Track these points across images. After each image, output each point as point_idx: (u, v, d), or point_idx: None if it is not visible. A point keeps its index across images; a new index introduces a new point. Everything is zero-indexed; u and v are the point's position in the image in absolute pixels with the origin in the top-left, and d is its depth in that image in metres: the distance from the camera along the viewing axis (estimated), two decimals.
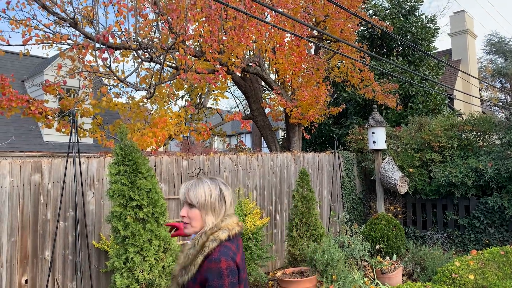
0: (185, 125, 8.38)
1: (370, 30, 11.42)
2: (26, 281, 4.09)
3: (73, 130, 3.85)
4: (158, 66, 6.65)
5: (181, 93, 9.58)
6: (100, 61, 5.52)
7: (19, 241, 4.06)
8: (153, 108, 8.37)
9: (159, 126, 6.28)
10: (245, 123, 7.44)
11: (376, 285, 5.59)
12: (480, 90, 20.96)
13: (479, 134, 8.30)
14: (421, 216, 8.11)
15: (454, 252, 7.12)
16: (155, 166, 5.25)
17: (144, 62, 6.60)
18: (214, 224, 1.93)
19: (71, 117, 3.83)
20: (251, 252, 5.79)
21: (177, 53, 6.07)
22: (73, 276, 4.33)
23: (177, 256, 4.07)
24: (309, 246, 5.41)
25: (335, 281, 4.94)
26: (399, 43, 11.43)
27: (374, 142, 7.55)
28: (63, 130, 5.91)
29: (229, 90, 12.38)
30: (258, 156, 6.77)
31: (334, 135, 11.14)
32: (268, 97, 10.84)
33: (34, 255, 4.14)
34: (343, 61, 9.96)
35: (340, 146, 10.18)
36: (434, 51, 12.17)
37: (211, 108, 9.55)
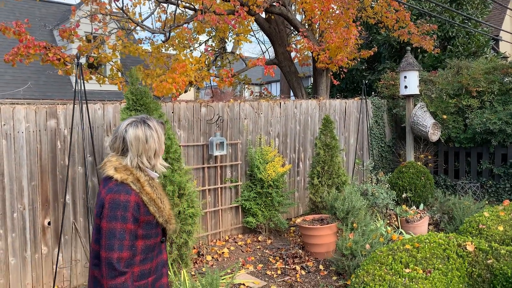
0: (207, 71, 8.18)
1: None
2: (49, 223, 4.23)
3: (74, 78, 3.75)
4: (174, 7, 6.37)
5: (203, 38, 9.29)
6: (114, 4, 5.32)
7: (39, 185, 4.15)
8: (175, 53, 8.18)
9: (178, 72, 6.12)
10: (269, 68, 7.14)
11: (399, 233, 5.46)
12: None
13: None
14: (453, 165, 7.75)
15: (487, 202, 6.81)
16: (172, 112, 5.16)
17: (161, 4, 6.32)
18: None
19: (76, 60, 3.72)
20: (272, 199, 5.75)
21: None
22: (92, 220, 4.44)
23: (192, 201, 4.06)
24: (330, 194, 5.28)
25: (356, 229, 4.83)
26: None
27: (405, 87, 7.10)
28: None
29: (253, 34, 11.89)
30: (280, 103, 6.54)
31: (365, 81, 10.63)
32: (295, 40, 10.34)
33: (55, 199, 4.25)
34: (377, 0, 9.23)
35: (372, 92, 9.73)
36: None
37: (233, 53, 9.22)
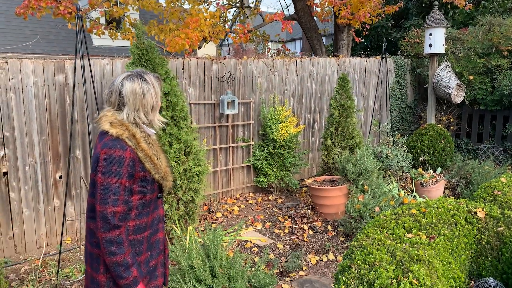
0: (224, 26, 7.94)
1: None
2: (60, 177, 4.31)
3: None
4: None
5: None
6: None
7: (50, 140, 4.20)
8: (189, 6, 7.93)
9: (191, 27, 5.94)
10: (287, 24, 6.86)
11: (412, 197, 5.34)
12: None
13: None
14: (477, 128, 7.43)
15: (509, 168, 6.55)
16: (183, 69, 5.05)
17: None
18: None
19: (77, 13, 3.62)
20: (284, 159, 5.69)
21: None
22: None
23: (199, 159, 4.04)
24: (343, 155, 5.17)
25: (366, 191, 4.75)
26: None
27: (430, 45, 6.72)
28: (94, 31, 5.78)
29: None
30: (296, 61, 6.31)
31: (391, 39, 10.13)
32: None
33: (66, 153, 4.30)
34: None
35: (397, 51, 9.28)
36: None
37: (250, 7, 8.87)
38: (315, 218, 4.96)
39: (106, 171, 1.73)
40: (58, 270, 3.49)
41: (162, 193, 2.00)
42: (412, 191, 5.63)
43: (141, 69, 1.93)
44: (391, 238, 2.49)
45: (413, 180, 5.63)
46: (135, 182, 1.81)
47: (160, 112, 3.88)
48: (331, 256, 4.07)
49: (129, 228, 1.83)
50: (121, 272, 1.75)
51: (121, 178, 1.74)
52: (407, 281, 1.98)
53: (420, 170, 5.73)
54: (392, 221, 2.72)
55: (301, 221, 4.92)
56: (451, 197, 5.65)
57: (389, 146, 6.32)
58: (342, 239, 4.48)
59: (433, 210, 2.92)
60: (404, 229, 2.64)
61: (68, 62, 4.22)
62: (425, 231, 2.67)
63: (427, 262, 2.25)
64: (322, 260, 4.02)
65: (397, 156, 5.63)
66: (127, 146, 1.78)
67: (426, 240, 2.52)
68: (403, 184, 5.93)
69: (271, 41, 12.08)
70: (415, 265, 2.14)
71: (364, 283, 2.03)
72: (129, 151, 1.77)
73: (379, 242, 2.42)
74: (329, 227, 4.74)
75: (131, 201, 1.81)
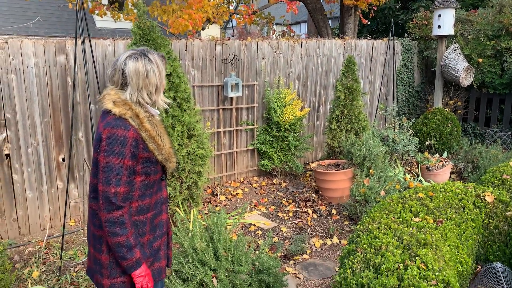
0: (228, 7, 7.79)
1: None
2: (63, 159, 4.29)
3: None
4: None
5: None
6: None
7: (52, 122, 4.16)
8: None
9: (195, 8, 5.81)
10: (292, 5, 6.71)
11: (418, 181, 5.29)
12: None
13: None
14: (484, 112, 7.32)
15: None
16: (186, 50, 4.96)
17: None
18: None
19: None
20: (288, 143, 5.63)
21: None
22: None
23: (202, 142, 3.99)
24: (348, 139, 5.10)
25: (372, 175, 4.69)
26: None
27: (439, 26, 6.56)
28: (96, 12, 5.68)
29: None
30: (302, 42, 6.19)
31: (398, 21, 9.93)
32: None
33: (68, 135, 4.26)
34: None
35: (405, 34, 9.11)
36: None
37: None
38: (320, 202, 4.93)
39: (109, 151, 1.69)
40: (61, 252, 3.48)
41: (166, 175, 1.96)
42: (418, 175, 5.57)
43: (145, 48, 1.86)
44: (398, 222, 2.45)
45: (419, 164, 5.57)
46: (138, 162, 1.77)
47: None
48: (335, 240, 4.05)
49: (132, 209, 1.80)
50: (124, 253, 1.72)
51: (124, 158, 1.70)
52: (415, 266, 1.94)
53: (426, 154, 5.66)
54: (399, 205, 2.68)
55: (305, 204, 4.89)
56: (457, 181, 5.59)
57: (395, 130, 6.24)
58: (346, 223, 4.44)
59: (441, 194, 2.87)
60: (411, 213, 2.60)
61: (69, 43, 4.15)
62: (432, 215, 2.62)
63: (434, 246, 2.21)
64: (326, 243, 4.00)
65: (403, 140, 5.56)
66: (130, 125, 1.73)
67: (433, 224, 2.47)
68: (409, 168, 5.87)
69: (276, 23, 11.89)
70: (423, 250, 2.09)
71: (370, 267, 1.99)
72: (132, 130, 1.73)
73: (386, 226, 2.37)
74: (334, 211, 4.71)
75: (134, 181, 1.78)
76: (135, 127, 1.74)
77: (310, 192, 5.18)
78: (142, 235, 1.85)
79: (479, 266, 2.91)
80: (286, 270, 3.48)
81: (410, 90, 7.87)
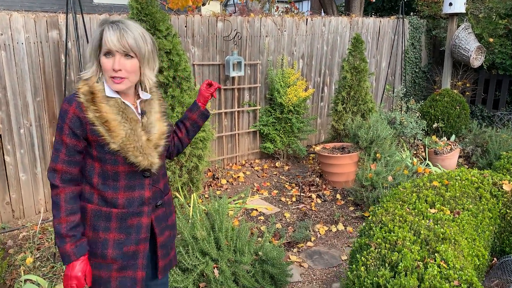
0: None
1: None
2: None
3: None
4: None
5: None
6: None
7: (45, 101, 3.96)
8: None
9: None
10: None
11: (426, 166, 5.12)
12: None
13: None
14: (493, 94, 7.10)
15: None
16: (185, 27, 4.71)
17: None
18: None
19: None
20: (291, 125, 5.44)
21: None
22: None
23: None
24: (354, 122, 4.91)
25: (378, 159, 4.52)
26: None
27: (450, 4, 6.28)
28: None
29: None
30: (307, 19, 5.92)
31: None
32: None
33: None
34: None
35: (410, 12, 8.78)
36: None
37: None
38: (324, 187, 4.78)
39: (57, 125, 1.57)
40: None
41: (148, 172, 1.66)
42: (425, 159, 5.40)
43: (119, 20, 1.58)
44: (413, 213, 2.28)
45: (426, 148, 5.39)
46: (92, 146, 1.57)
47: (161, 72, 3.60)
48: (340, 227, 3.91)
49: (94, 196, 1.61)
50: (56, 238, 1.56)
51: (62, 134, 1.55)
52: (435, 264, 1.78)
53: (434, 137, 5.48)
54: (413, 194, 2.51)
55: (309, 189, 4.74)
56: (465, 166, 5.43)
57: (402, 112, 6.04)
58: (351, 208, 4.30)
59: (457, 183, 2.70)
60: (426, 203, 2.43)
61: (62, 17, 3.90)
62: (448, 206, 2.46)
63: (453, 241, 2.05)
64: (331, 230, 3.86)
65: (411, 122, 5.37)
66: (74, 100, 1.53)
67: (450, 216, 2.31)
68: (415, 152, 5.70)
69: (278, 0, 11.50)
70: (442, 245, 1.93)
71: (386, 264, 1.84)
72: (74, 106, 1.53)
73: (401, 218, 2.21)
74: (338, 196, 4.56)
75: (93, 166, 1.60)
76: (82, 103, 1.53)
77: (314, 176, 5.02)
78: (105, 229, 1.62)
79: (495, 259, 2.77)
80: (290, 259, 3.35)
81: (417, 70, 7.63)
